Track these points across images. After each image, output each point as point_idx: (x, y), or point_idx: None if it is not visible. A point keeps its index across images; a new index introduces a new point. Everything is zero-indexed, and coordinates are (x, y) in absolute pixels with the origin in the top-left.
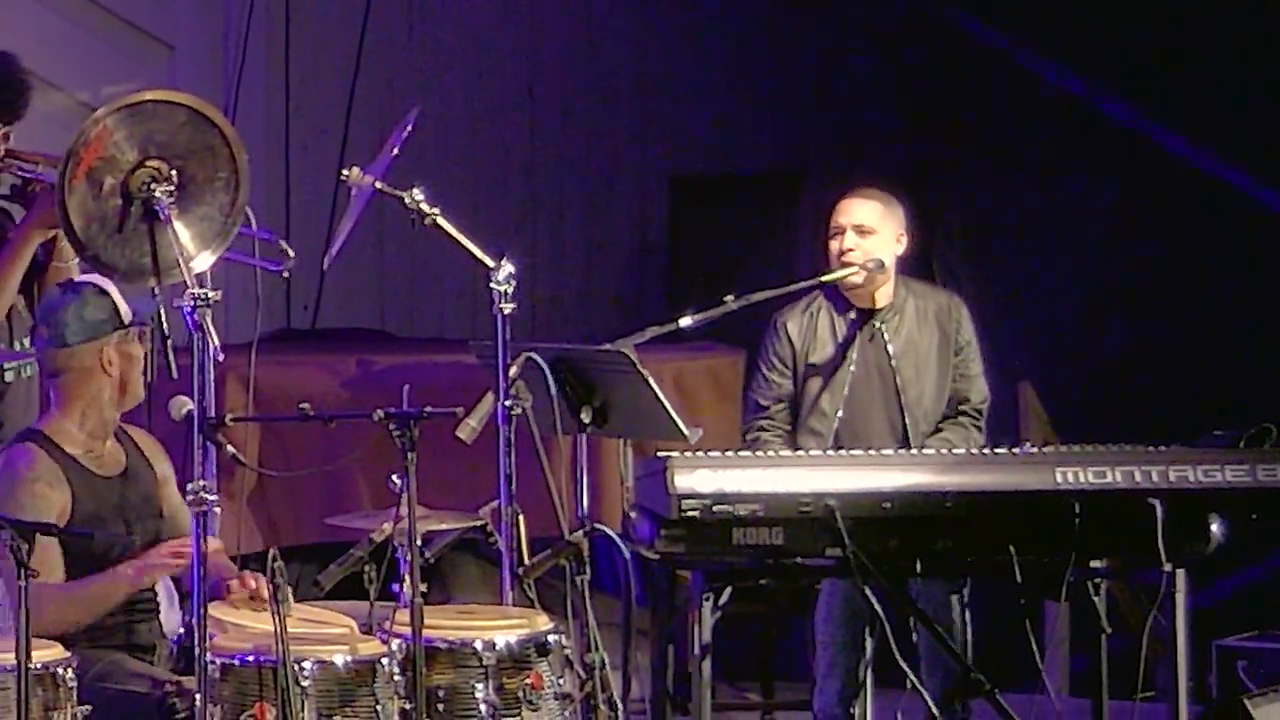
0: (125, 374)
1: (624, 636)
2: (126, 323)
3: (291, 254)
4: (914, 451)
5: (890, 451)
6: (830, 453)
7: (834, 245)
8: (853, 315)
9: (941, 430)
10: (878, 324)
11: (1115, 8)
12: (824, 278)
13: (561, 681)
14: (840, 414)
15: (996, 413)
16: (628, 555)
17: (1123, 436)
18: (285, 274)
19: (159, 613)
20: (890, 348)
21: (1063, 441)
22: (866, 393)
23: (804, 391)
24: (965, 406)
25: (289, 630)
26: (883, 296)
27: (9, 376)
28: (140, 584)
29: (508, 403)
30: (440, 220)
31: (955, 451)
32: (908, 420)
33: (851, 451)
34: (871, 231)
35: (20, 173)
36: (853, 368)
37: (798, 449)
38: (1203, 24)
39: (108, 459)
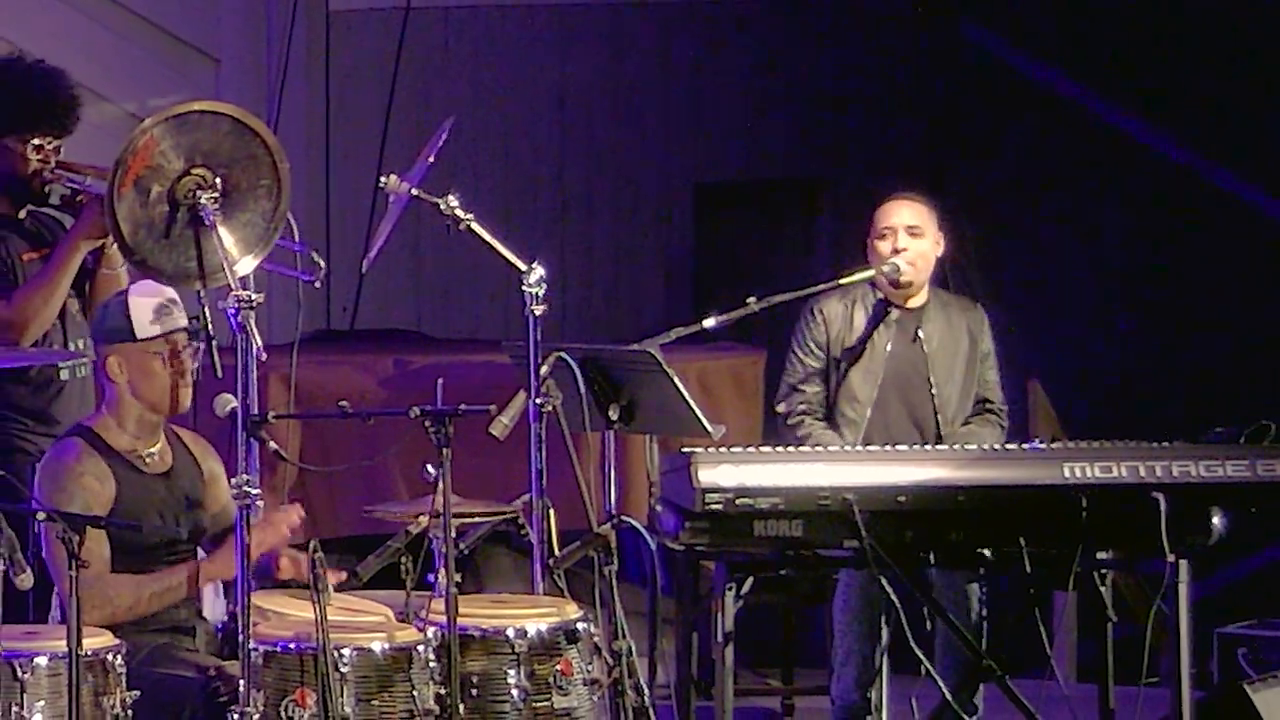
0: (141, 384)
1: (650, 625)
2: (139, 337)
3: (323, 265)
4: (927, 447)
5: (905, 447)
6: (847, 448)
7: (883, 245)
8: (893, 312)
9: (970, 424)
10: (916, 325)
11: (1129, 26)
12: (858, 275)
13: (590, 667)
14: (873, 403)
15: (1008, 410)
16: (654, 547)
17: (1128, 433)
18: (317, 284)
19: (200, 596)
20: (925, 347)
21: (1070, 438)
22: (899, 386)
23: (838, 377)
24: (991, 405)
25: (329, 618)
26: (919, 298)
27: (64, 375)
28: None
29: (539, 400)
30: (474, 225)
31: (967, 447)
32: (938, 417)
33: (868, 447)
34: (921, 232)
35: (70, 184)
36: (887, 360)
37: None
38: (1211, 43)
39: (154, 457)
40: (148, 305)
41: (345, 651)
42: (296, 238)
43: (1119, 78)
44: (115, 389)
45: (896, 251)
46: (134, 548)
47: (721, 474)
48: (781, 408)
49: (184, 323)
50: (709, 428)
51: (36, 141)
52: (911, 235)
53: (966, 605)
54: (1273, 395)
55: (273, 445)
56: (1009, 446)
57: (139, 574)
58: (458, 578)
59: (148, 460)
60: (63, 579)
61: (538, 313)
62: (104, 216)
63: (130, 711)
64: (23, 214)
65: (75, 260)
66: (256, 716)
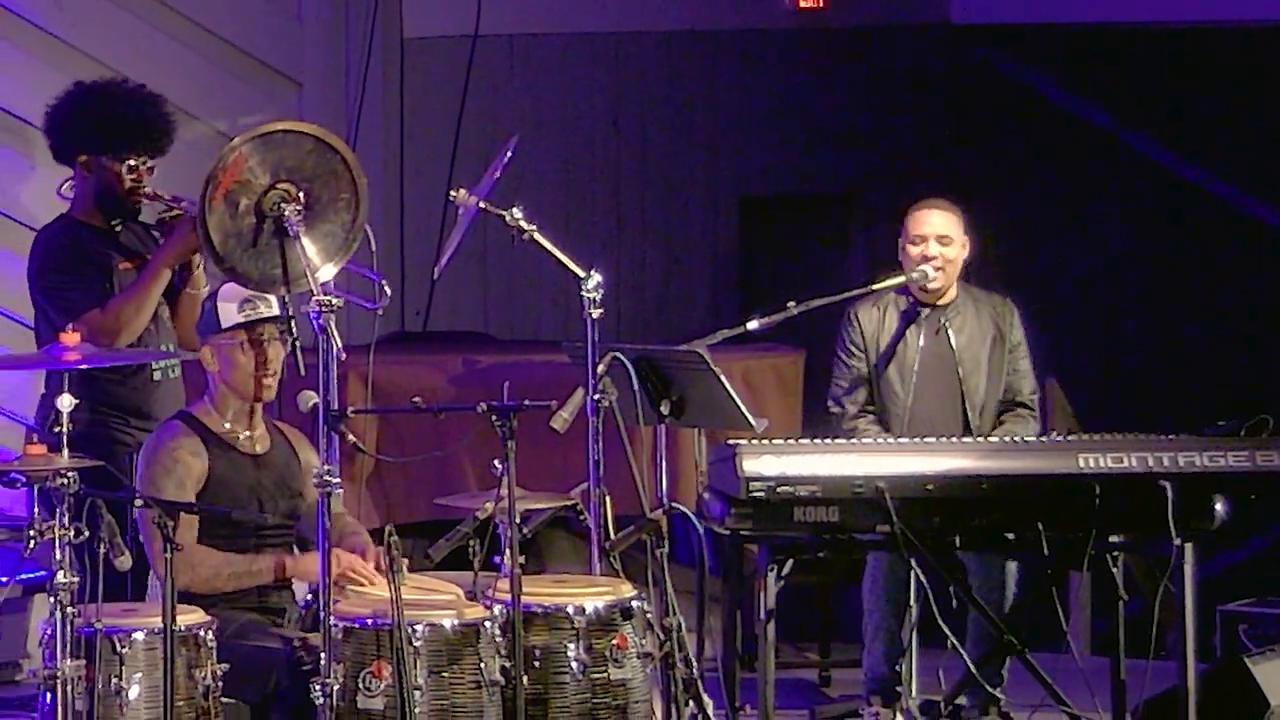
0: (230, 373)
1: (698, 603)
2: (223, 326)
3: (389, 293)
4: (954, 439)
5: (933, 439)
6: (879, 441)
7: (915, 251)
8: (923, 311)
9: (1004, 422)
10: (942, 320)
11: (1142, 56)
12: (889, 281)
13: (643, 642)
14: (910, 396)
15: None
16: (701, 531)
17: (1137, 426)
18: (380, 313)
19: (291, 582)
20: (954, 342)
21: (1085, 431)
22: (931, 380)
23: (877, 375)
24: (1020, 399)
25: (403, 597)
26: (947, 296)
27: (157, 375)
28: (287, 578)
29: (596, 397)
30: (537, 236)
31: (991, 440)
32: (967, 406)
33: (899, 439)
34: (950, 240)
35: (165, 203)
36: (919, 356)
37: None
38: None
39: (251, 442)
40: (233, 300)
41: (418, 627)
42: (373, 247)
43: (1130, 101)
44: (210, 378)
45: (927, 258)
46: (222, 522)
47: (764, 464)
48: (835, 409)
49: (266, 314)
50: (752, 422)
51: (131, 161)
52: (941, 243)
53: (1001, 584)
54: (1271, 392)
55: (351, 438)
56: (1029, 439)
57: (231, 546)
58: (521, 559)
59: (243, 443)
60: (156, 558)
61: (595, 316)
62: (194, 236)
63: (220, 682)
64: (118, 227)
65: (165, 275)
66: (336, 687)
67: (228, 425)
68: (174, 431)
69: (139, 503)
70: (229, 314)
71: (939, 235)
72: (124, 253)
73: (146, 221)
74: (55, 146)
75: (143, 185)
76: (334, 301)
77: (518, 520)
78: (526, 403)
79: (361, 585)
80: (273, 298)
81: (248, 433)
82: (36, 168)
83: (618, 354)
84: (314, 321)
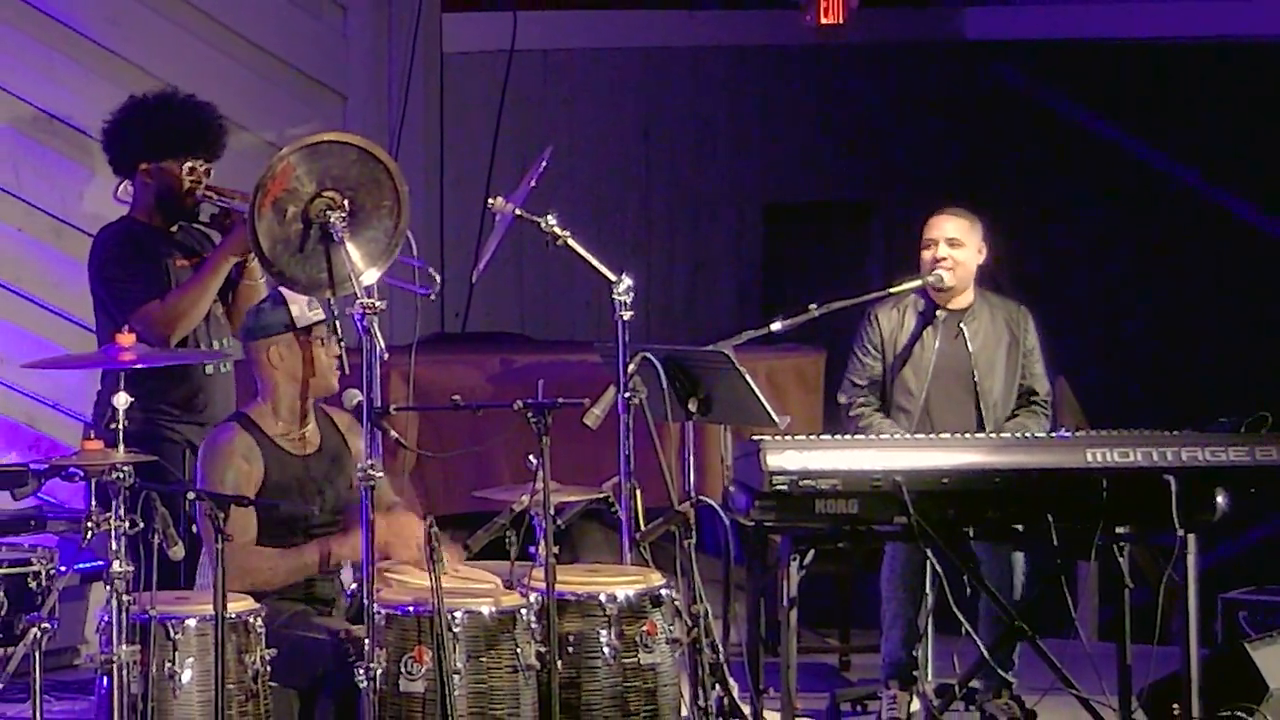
0: (297, 369)
1: (724, 591)
2: (299, 325)
3: (438, 280)
4: (968, 435)
5: (948, 435)
6: (897, 436)
7: (927, 254)
8: (940, 315)
9: (1018, 416)
10: (959, 323)
11: (1140, 68)
12: (907, 285)
13: (672, 628)
14: (925, 395)
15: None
16: (727, 523)
17: (1143, 423)
18: (432, 297)
19: (339, 572)
20: (970, 345)
21: (1093, 427)
22: (947, 380)
23: (893, 373)
24: (1034, 397)
25: (443, 585)
26: (964, 300)
27: (208, 370)
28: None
29: (626, 394)
30: (570, 241)
31: (1003, 436)
32: (981, 406)
33: (916, 435)
34: (961, 244)
35: (219, 204)
36: (935, 357)
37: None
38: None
39: (304, 439)
40: (301, 301)
41: (457, 614)
42: (415, 253)
43: (1134, 113)
44: (273, 378)
45: (937, 260)
46: (276, 521)
47: (787, 459)
48: (843, 399)
49: (323, 316)
50: (776, 418)
51: (189, 165)
52: (951, 246)
53: (1010, 573)
54: (1270, 390)
55: (394, 434)
56: (1039, 435)
57: (282, 545)
58: (556, 550)
59: (296, 442)
60: (212, 550)
61: (626, 318)
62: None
63: (269, 667)
64: (175, 228)
65: (222, 270)
66: (380, 671)
67: (281, 425)
68: (229, 435)
69: (190, 496)
70: (302, 315)
71: (949, 238)
72: (181, 251)
73: (202, 221)
74: (115, 159)
75: (200, 188)
76: (377, 304)
77: (552, 512)
78: (560, 400)
79: (404, 561)
80: (318, 302)
81: (300, 431)
82: (94, 176)
83: (647, 354)
84: (358, 323)
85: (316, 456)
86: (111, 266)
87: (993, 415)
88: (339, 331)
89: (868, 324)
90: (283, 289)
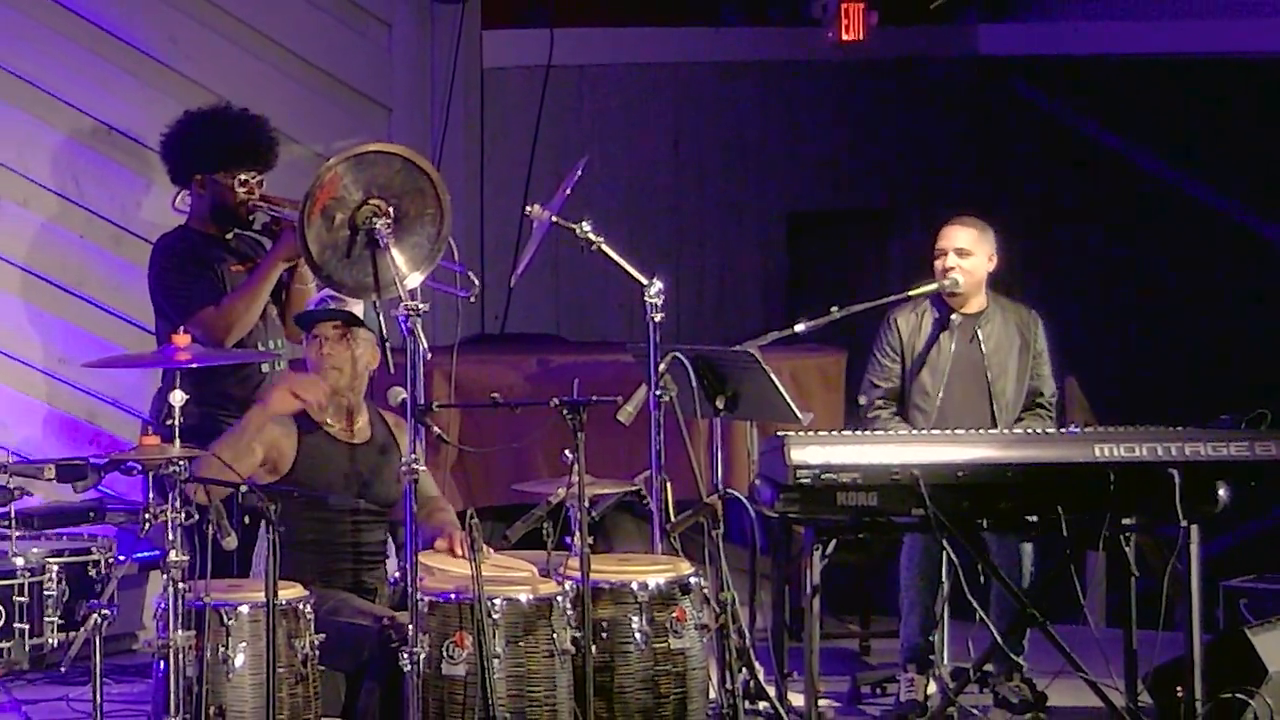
0: (320, 365)
1: (750, 579)
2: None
3: (477, 283)
4: (982, 431)
5: (963, 431)
6: (914, 432)
7: (939, 264)
8: (955, 318)
9: (1023, 419)
10: (974, 327)
11: (1147, 82)
12: (923, 289)
13: (700, 615)
14: (940, 395)
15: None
16: (753, 514)
17: (1148, 419)
18: (472, 299)
19: (385, 561)
20: (984, 347)
21: (1100, 423)
22: (962, 380)
23: (911, 375)
24: (1040, 400)
25: (483, 574)
26: (977, 305)
27: (264, 369)
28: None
29: (657, 392)
30: (604, 247)
31: (1015, 431)
32: (994, 405)
33: (932, 431)
34: (970, 253)
35: (271, 212)
36: (951, 359)
37: (907, 420)
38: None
39: (349, 432)
40: (310, 303)
41: (496, 601)
42: (456, 258)
43: (1139, 124)
44: (311, 370)
45: (946, 270)
46: (320, 505)
47: (810, 453)
48: (863, 400)
49: (346, 309)
50: (799, 415)
51: (242, 176)
52: (960, 256)
53: (1019, 562)
54: (1268, 388)
55: (436, 430)
56: (1050, 431)
57: (327, 529)
58: (590, 540)
59: (339, 431)
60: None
61: (657, 319)
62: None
63: (317, 651)
64: (230, 236)
65: (274, 275)
66: (423, 655)
67: (327, 416)
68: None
69: (243, 489)
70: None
71: (958, 248)
72: (236, 257)
73: (255, 229)
74: (172, 170)
75: (253, 197)
76: (421, 306)
77: (587, 504)
78: (595, 398)
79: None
80: (355, 304)
81: (344, 423)
82: (152, 186)
83: (677, 354)
84: (402, 325)
85: (361, 448)
86: (169, 273)
87: (1005, 414)
88: (384, 333)
89: (887, 328)
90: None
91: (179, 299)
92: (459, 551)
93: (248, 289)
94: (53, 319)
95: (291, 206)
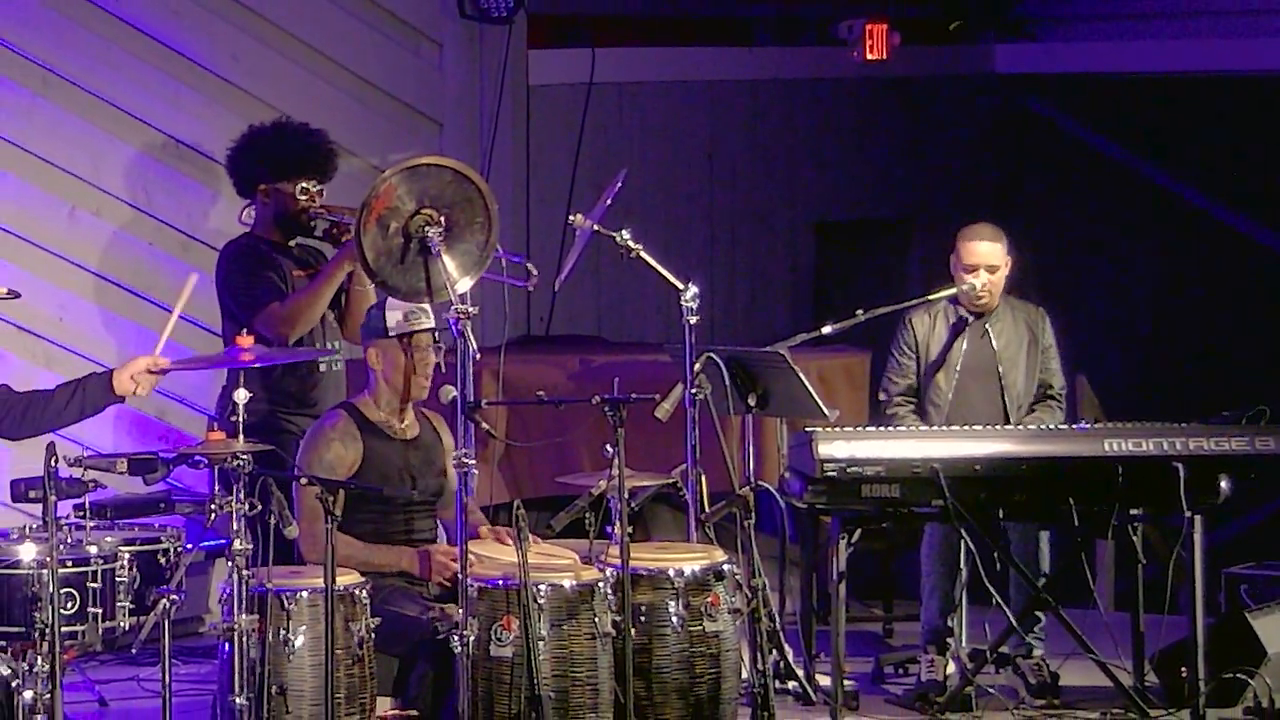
0: (388, 373)
1: (780, 566)
2: (396, 334)
3: (535, 272)
4: (998, 427)
5: (980, 427)
6: (934, 428)
7: (968, 277)
8: (968, 318)
9: (1035, 410)
10: (985, 326)
11: (1153, 97)
12: (942, 293)
13: (733, 599)
14: (954, 390)
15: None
16: (783, 505)
17: (1154, 415)
18: (530, 289)
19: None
20: (995, 344)
21: (1109, 420)
22: (975, 376)
23: (926, 372)
24: (1051, 391)
25: (529, 561)
26: (990, 306)
27: (322, 368)
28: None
29: (693, 390)
30: (642, 254)
31: (1029, 427)
32: (1006, 398)
33: (951, 427)
34: (997, 267)
35: (330, 219)
36: (964, 355)
37: (923, 414)
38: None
39: (403, 428)
40: (399, 309)
41: (542, 587)
42: (504, 266)
43: (1145, 139)
44: (374, 375)
45: (978, 284)
46: (377, 499)
47: (836, 448)
48: (883, 397)
49: (428, 325)
50: (826, 412)
51: (303, 185)
52: (989, 271)
53: (1036, 550)
54: (1268, 387)
55: (485, 425)
56: (1062, 426)
57: (382, 520)
58: (629, 529)
59: (396, 430)
60: (304, 537)
61: (692, 322)
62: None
63: (373, 635)
64: (293, 243)
65: (337, 277)
66: (472, 638)
67: (382, 415)
68: (333, 420)
69: (303, 481)
70: (394, 323)
71: (988, 265)
72: (297, 262)
73: (316, 236)
74: (237, 181)
75: (314, 206)
76: (470, 310)
77: (626, 496)
78: (634, 396)
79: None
80: (430, 311)
81: (400, 422)
82: (217, 196)
83: (712, 354)
84: (453, 326)
85: (414, 444)
86: (235, 277)
87: (1015, 405)
88: (436, 334)
89: (903, 327)
90: (389, 299)
91: (246, 298)
92: (506, 540)
93: (312, 289)
94: (124, 321)
95: (351, 214)
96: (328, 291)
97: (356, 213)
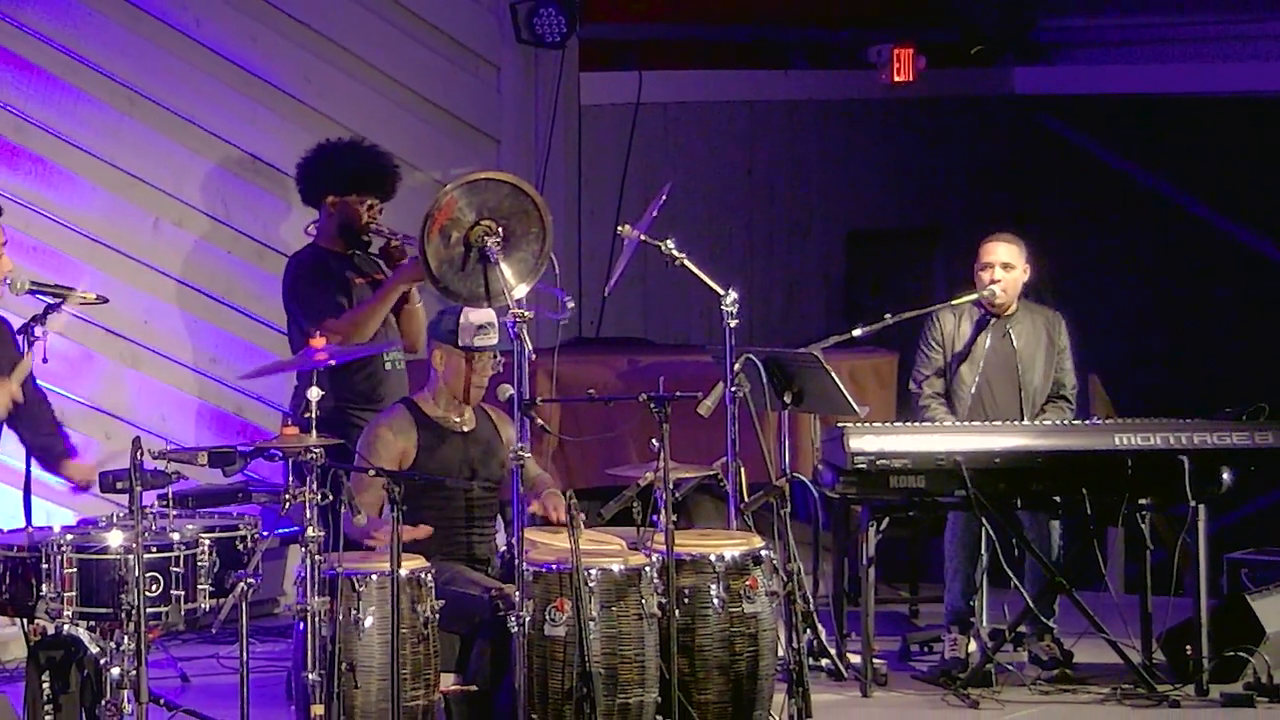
0: (448, 376)
1: (814, 552)
2: (459, 344)
3: (572, 304)
4: (1016, 423)
5: (1000, 423)
6: (958, 423)
7: (985, 276)
8: (991, 319)
9: (1046, 410)
10: (1007, 327)
11: (1159, 115)
12: (965, 298)
13: (770, 583)
14: (976, 385)
15: (1077, 393)
16: (816, 495)
17: (1160, 411)
18: (563, 321)
19: (496, 535)
20: (1015, 343)
21: (1120, 416)
22: (996, 372)
23: (952, 368)
24: (1064, 392)
25: (580, 547)
26: (1010, 308)
27: (387, 366)
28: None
29: (733, 389)
30: (686, 262)
31: (1045, 423)
32: (1024, 395)
33: (973, 422)
34: (1013, 267)
35: (386, 236)
36: (987, 354)
37: (949, 405)
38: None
39: (460, 423)
40: (472, 323)
41: (592, 571)
42: (558, 271)
43: (1152, 154)
44: (435, 374)
45: (994, 281)
46: (438, 489)
47: (866, 442)
48: (914, 388)
49: (492, 343)
50: (857, 409)
51: (369, 202)
52: (1005, 270)
53: (1049, 537)
54: (1266, 385)
55: (539, 421)
56: (1075, 422)
57: (444, 510)
58: (674, 518)
59: (454, 425)
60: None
61: (732, 325)
62: (416, 271)
63: (437, 615)
64: (352, 253)
65: (393, 296)
66: (528, 618)
67: (440, 410)
68: (391, 413)
69: (371, 473)
70: (465, 336)
71: (1003, 263)
72: (358, 272)
73: (371, 251)
74: (306, 191)
75: (375, 221)
76: (526, 314)
77: (671, 486)
78: (678, 393)
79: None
80: (496, 328)
81: (458, 417)
82: (291, 209)
83: (750, 355)
84: (510, 329)
85: (474, 436)
86: (300, 286)
87: (1031, 401)
88: (499, 357)
89: (931, 324)
90: (467, 308)
91: (309, 307)
92: (553, 517)
93: (368, 306)
94: (205, 324)
95: (399, 239)
96: (383, 308)
97: (409, 238)
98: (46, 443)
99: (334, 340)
